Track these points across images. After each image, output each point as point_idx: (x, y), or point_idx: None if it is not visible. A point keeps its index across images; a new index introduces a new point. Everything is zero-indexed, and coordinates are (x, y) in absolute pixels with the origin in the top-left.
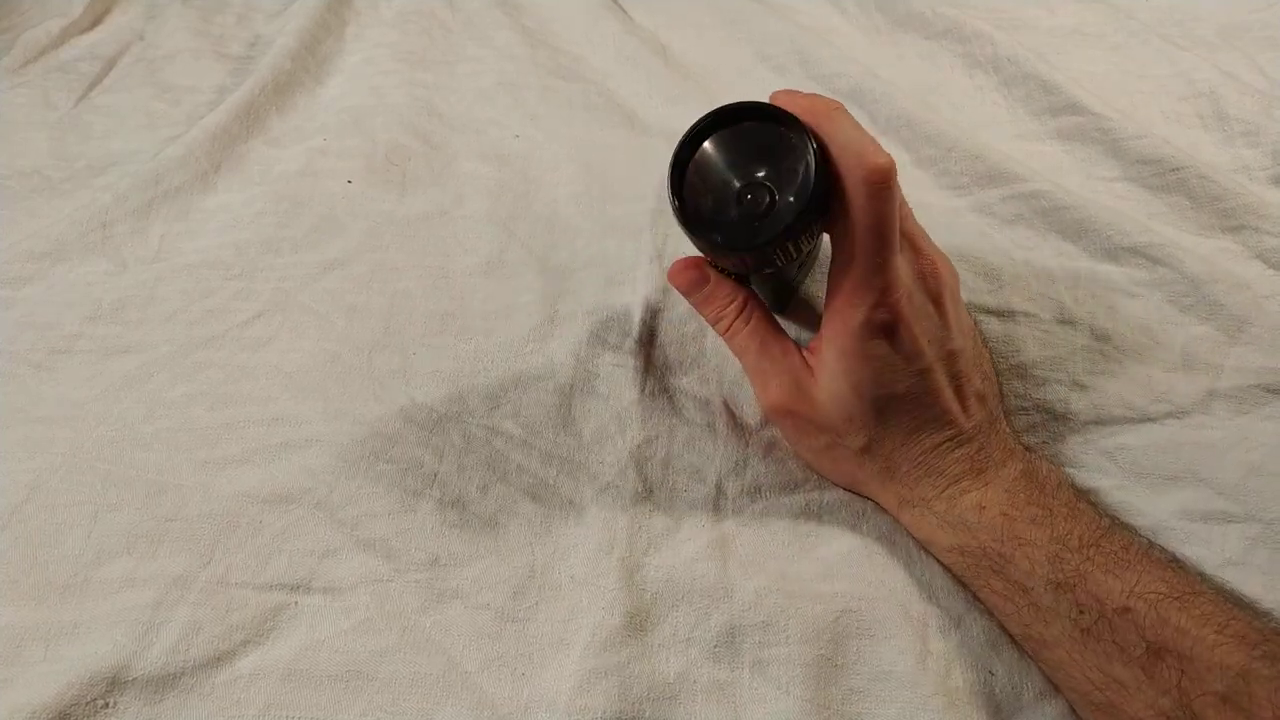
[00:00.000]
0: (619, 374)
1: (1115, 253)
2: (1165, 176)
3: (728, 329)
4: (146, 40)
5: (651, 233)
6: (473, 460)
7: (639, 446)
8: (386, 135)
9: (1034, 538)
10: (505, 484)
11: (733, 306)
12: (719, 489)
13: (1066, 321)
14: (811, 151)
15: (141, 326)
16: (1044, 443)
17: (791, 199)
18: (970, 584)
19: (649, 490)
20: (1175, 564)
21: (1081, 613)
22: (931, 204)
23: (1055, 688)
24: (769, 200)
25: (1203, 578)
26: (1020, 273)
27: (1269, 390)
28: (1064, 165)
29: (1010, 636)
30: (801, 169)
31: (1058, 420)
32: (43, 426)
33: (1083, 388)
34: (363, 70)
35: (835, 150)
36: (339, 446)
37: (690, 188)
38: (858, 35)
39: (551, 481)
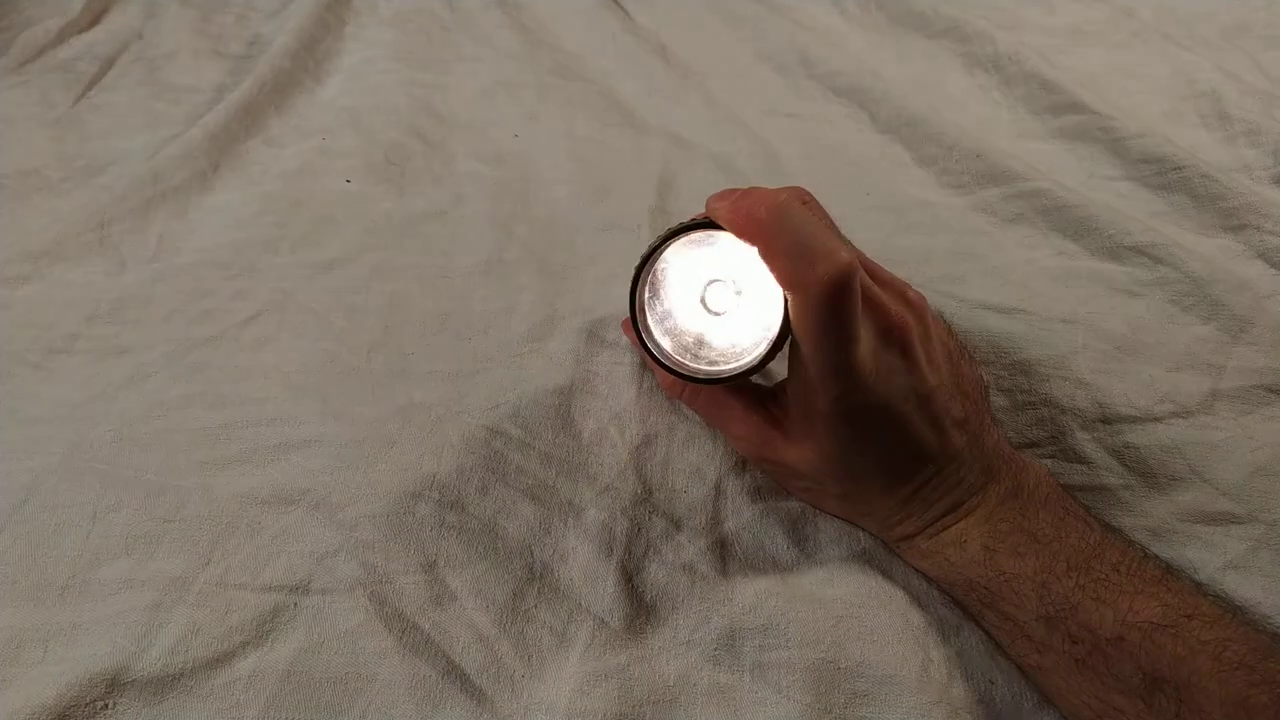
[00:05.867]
0: (617, 371)
1: (1117, 252)
2: (1167, 175)
3: (678, 396)
4: (145, 39)
5: (650, 231)
6: (472, 461)
7: (638, 447)
8: (385, 135)
9: (1019, 570)
10: (504, 485)
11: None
12: (719, 489)
13: (1068, 320)
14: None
15: (140, 326)
16: (1051, 437)
17: (762, 328)
18: (965, 611)
19: (648, 491)
20: (1169, 578)
21: (1075, 643)
22: (933, 202)
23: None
24: (736, 307)
25: (1198, 587)
26: (1022, 271)
27: (1271, 390)
28: (1065, 164)
29: None
30: (769, 295)
31: (1065, 414)
32: (41, 427)
33: (1086, 385)
34: (361, 70)
35: (785, 260)
36: (338, 447)
37: (654, 313)
38: (858, 35)
39: (551, 483)
